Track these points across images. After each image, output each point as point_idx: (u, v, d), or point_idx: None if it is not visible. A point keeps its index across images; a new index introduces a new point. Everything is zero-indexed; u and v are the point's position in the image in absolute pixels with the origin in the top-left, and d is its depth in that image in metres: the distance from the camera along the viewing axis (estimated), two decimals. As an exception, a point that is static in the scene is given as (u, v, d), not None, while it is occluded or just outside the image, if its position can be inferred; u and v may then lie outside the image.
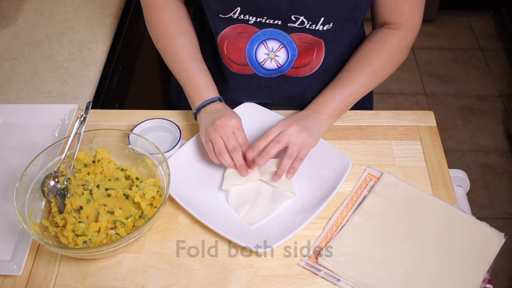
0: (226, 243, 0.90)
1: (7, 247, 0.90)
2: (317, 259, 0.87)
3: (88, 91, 1.21)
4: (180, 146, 1.02)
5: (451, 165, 1.03)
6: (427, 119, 1.09)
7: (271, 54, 1.01)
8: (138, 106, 1.24)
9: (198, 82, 1.01)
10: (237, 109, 1.08)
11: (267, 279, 0.85)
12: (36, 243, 0.90)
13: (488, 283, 0.88)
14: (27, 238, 0.90)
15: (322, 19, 0.94)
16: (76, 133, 0.94)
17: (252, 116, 1.08)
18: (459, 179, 1.10)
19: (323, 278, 0.85)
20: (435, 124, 1.09)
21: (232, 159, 0.95)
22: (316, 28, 0.96)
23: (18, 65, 1.27)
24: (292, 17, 0.94)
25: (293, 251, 0.89)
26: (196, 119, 1.02)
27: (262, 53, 1.01)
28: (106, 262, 0.88)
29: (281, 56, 1.01)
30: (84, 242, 0.85)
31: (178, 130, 1.04)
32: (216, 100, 1.00)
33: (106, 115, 1.13)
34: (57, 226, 0.88)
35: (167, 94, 1.33)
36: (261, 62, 1.03)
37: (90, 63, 1.27)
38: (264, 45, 1.00)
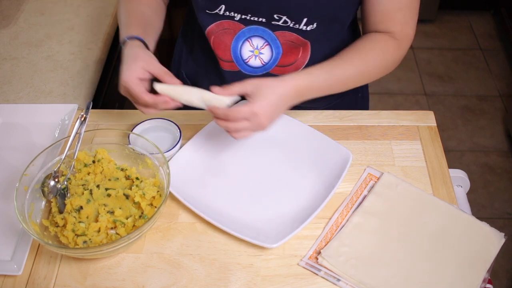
0: (226, 243, 0.90)
1: (7, 247, 0.90)
2: (317, 259, 0.87)
3: (88, 91, 1.21)
4: (180, 146, 1.02)
5: (451, 165, 1.03)
6: (427, 119, 1.09)
7: (256, 52, 1.01)
8: (138, 106, 1.24)
9: (125, 21, 1.01)
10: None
11: (267, 279, 0.85)
12: (36, 243, 0.90)
13: (488, 283, 0.88)
14: (27, 238, 0.90)
15: (305, 19, 0.94)
16: (76, 133, 0.94)
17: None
18: (459, 179, 1.10)
19: (323, 278, 0.85)
20: (435, 124, 1.09)
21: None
22: (300, 28, 0.96)
23: (18, 65, 1.27)
24: (275, 15, 0.95)
25: (293, 251, 0.89)
26: None
27: (247, 50, 1.01)
28: (106, 262, 0.88)
29: (266, 54, 1.01)
30: (84, 242, 0.85)
31: (178, 130, 1.04)
32: (132, 39, 0.96)
33: (106, 115, 1.13)
34: (57, 226, 0.88)
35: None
36: (246, 59, 1.03)
37: (90, 63, 1.27)
38: (249, 42, 1.00)
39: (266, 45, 1.00)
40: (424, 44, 2.87)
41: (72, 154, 0.93)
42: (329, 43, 1.02)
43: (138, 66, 0.91)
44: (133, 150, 0.97)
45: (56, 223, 0.88)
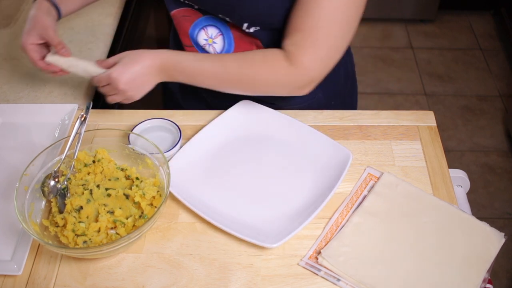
0: (226, 243, 0.90)
1: (7, 247, 0.90)
2: (317, 259, 0.87)
3: (88, 91, 1.21)
4: (180, 146, 1.03)
5: (451, 165, 1.03)
6: (427, 119, 1.10)
7: (209, 40, 1.03)
8: (138, 106, 1.24)
9: None
10: (234, 107, 1.08)
11: (267, 279, 0.85)
12: (36, 243, 0.90)
13: (488, 283, 0.88)
14: (27, 238, 0.90)
15: (245, 24, 0.96)
16: (76, 133, 0.94)
17: (251, 114, 1.08)
18: (459, 179, 1.10)
19: (323, 278, 0.85)
20: (435, 124, 1.09)
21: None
22: (243, 29, 0.97)
23: (18, 65, 1.27)
24: (219, 15, 0.97)
25: (293, 251, 0.89)
26: None
27: (202, 38, 1.04)
28: (106, 262, 0.88)
29: (218, 44, 1.03)
30: (84, 242, 0.85)
31: (178, 130, 1.04)
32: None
33: (106, 115, 1.13)
34: (57, 226, 0.88)
35: (167, 94, 1.33)
36: (202, 46, 1.05)
37: (90, 63, 1.27)
38: (205, 31, 1.02)
39: (220, 35, 1.01)
40: (424, 44, 2.87)
41: (72, 154, 0.93)
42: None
43: (35, 32, 0.99)
44: (133, 150, 0.97)
45: (56, 223, 0.88)
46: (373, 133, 1.07)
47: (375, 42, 2.86)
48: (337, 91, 1.18)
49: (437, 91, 2.62)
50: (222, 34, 1.01)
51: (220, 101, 1.14)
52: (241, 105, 1.09)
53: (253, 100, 1.09)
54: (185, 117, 1.11)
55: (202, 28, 1.02)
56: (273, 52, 0.93)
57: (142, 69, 0.94)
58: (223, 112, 1.08)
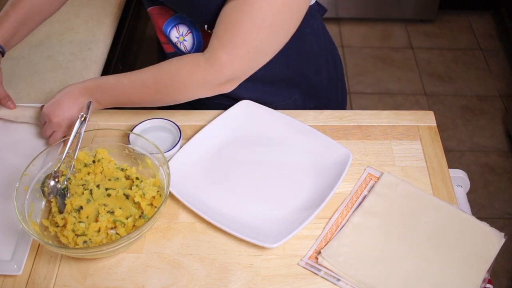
0: (226, 243, 0.90)
1: (7, 247, 0.90)
2: (317, 259, 0.87)
3: (88, 91, 1.21)
4: (180, 146, 1.03)
5: (451, 165, 1.03)
6: (427, 119, 1.10)
7: (181, 38, 1.04)
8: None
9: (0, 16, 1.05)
10: (234, 107, 1.08)
11: (267, 279, 0.85)
12: (36, 243, 0.90)
13: (488, 283, 0.88)
14: (27, 238, 0.90)
15: (206, 26, 0.96)
16: (76, 133, 0.94)
17: (251, 114, 1.08)
18: (459, 179, 1.10)
19: (323, 278, 0.85)
20: (435, 124, 1.09)
21: None
22: (206, 30, 0.98)
23: (18, 65, 1.27)
24: (183, 15, 0.99)
25: (293, 251, 0.89)
26: None
27: (174, 36, 1.05)
28: (106, 262, 0.88)
29: (188, 41, 1.04)
30: (84, 242, 0.85)
31: (178, 130, 1.04)
32: None
33: (106, 115, 1.13)
34: (57, 226, 0.88)
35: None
36: (174, 43, 1.06)
37: (90, 63, 1.27)
38: (176, 29, 1.03)
39: (189, 32, 1.03)
40: (424, 44, 2.87)
41: (72, 154, 0.93)
42: None
43: None
44: (133, 150, 0.97)
45: (56, 223, 0.88)
46: (373, 133, 1.07)
47: (375, 42, 2.86)
48: (317, 94, 1.19)
49: (437, 91, 2.62)
50: (191, 32, 1.02)
51: (219, 101, 1.14)
52: (241, 105, 1.09)
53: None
54: (185, 117, 1.11)
55: (174, 26, 1.03)
56: (190, 56, 0.93)
57: (70, 100, 0.98)
58: (223, 112, 1.08)
